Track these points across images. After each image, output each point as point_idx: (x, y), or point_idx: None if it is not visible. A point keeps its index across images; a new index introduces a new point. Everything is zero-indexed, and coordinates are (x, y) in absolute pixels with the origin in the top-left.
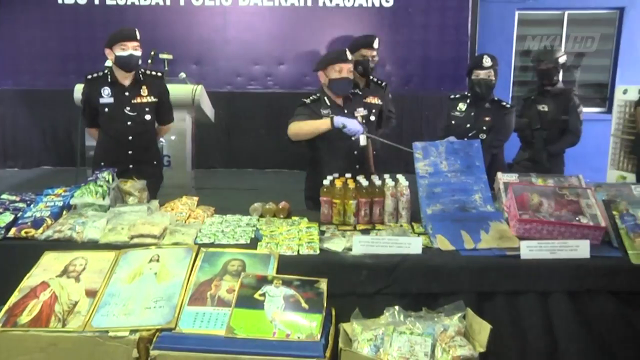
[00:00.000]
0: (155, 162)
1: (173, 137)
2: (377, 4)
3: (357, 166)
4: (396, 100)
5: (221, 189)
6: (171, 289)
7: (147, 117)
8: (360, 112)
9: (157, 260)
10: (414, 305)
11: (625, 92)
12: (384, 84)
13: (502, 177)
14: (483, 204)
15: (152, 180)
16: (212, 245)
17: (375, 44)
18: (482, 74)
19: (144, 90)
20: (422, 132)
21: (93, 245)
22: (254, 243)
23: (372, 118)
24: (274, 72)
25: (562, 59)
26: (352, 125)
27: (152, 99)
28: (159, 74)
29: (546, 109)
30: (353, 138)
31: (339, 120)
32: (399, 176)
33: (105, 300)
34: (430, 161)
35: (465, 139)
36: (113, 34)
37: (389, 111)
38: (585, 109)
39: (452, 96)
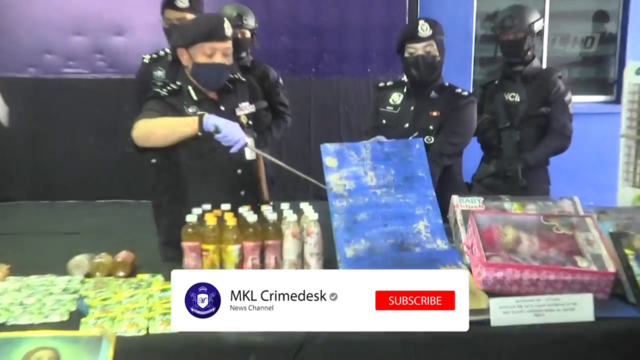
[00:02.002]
0: None
1: None
2: None
3: (242, 192)
4: (297, 90)
5: (22, 234)
6: None
7: None
8: (245, 108)
9: None
10: None
11: (639, 71)
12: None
13: (459, 203)
14: (431, 237)
15: None
16: (4, 327)
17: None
18: (418, 48)
19: None
20: (341, 136)
21: None
22: (75, 320)
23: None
24: (106, 47)
25: (538, 25)
26: (230, 130)
27: None
28: None
29: (517, 98)
30: (233, 150)
31: (211, 121)
32: (305, 206)
33: None
34: (349, 172)
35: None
36: None
37: (280, 104)
38: (581, 98)
39: (382, 84)
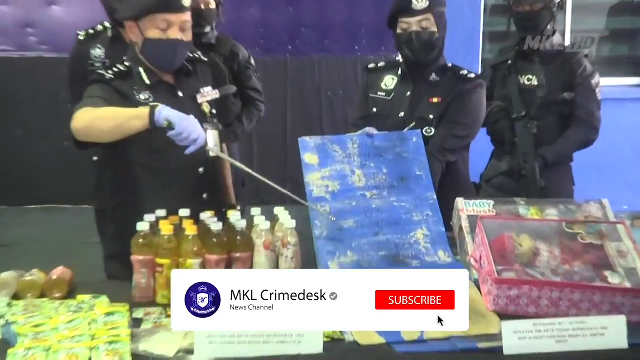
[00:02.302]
0: None
1: None
2: None
3: (204, 195)
4: (270, 71)
5: None
6: None
7: None
8: (208, 94)
9: None
10: None
11: None
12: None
13: (464, 207)
14: (431, 248)
15: None
16: None
17: None
18: (412, 23)
19: None
20: (323, 128)
21: None
22: (1, 351)
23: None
24: (38, 19)
25: None
26: (186, 126)
27: None
28: None
29: (534, 82)
30: (189, 151)
31: (164, 115)
32: (280, 211)
33: None
34: (333, 171)
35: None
36: None
37: (251, 90)
38: (611, 80)
39: (372, 65)
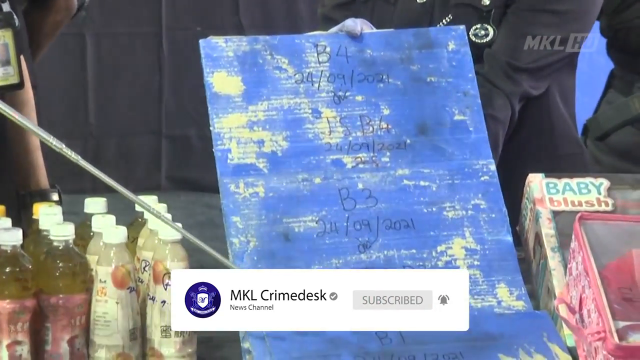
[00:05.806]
0: None
1: None
2: None
3: None
4: None
5: None
6: None
7: None
8: None
9: None
10: None
11: None
12: None
13: (545, 192)
14: (481, 278)
15: None
16: None
17: None
18: None
19: None
20: (241, 20)
21: None
22: None
23: None
24: None
25: None
26: None
27: None
28: None
29: None
30: None
31: None
32: (148, 204)
33: None
34: (275, 110)
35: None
36: None
37: None
38: None
39: None
